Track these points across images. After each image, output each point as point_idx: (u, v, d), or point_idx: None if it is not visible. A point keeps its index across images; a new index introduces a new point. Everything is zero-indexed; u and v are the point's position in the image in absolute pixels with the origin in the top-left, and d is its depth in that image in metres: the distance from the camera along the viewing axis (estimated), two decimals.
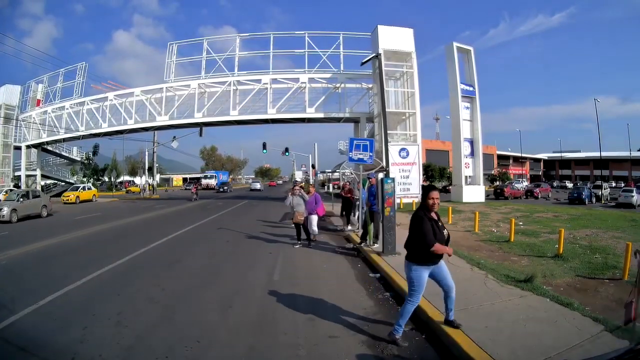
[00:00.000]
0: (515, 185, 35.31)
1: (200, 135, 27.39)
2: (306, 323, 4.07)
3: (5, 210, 14.08)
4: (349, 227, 11.20)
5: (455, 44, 23.28)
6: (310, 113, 23.91)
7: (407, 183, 21.07)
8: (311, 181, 32.73)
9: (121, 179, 50.97)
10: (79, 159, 38.31)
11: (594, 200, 26.99)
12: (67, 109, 28.02)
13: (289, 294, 5.05)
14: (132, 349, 3.44)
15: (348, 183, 15.32)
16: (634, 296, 2.93)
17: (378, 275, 6.09)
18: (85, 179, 36.15)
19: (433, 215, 3.52)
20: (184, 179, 71.93)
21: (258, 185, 50.41)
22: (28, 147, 30.47)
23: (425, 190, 3.58)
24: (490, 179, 50.13)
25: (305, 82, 23.83)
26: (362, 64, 11.99)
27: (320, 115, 24.11)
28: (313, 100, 23.90)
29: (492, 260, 6.69)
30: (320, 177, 49.85)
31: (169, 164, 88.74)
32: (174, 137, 30.89)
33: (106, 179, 40.65)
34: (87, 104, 27.39)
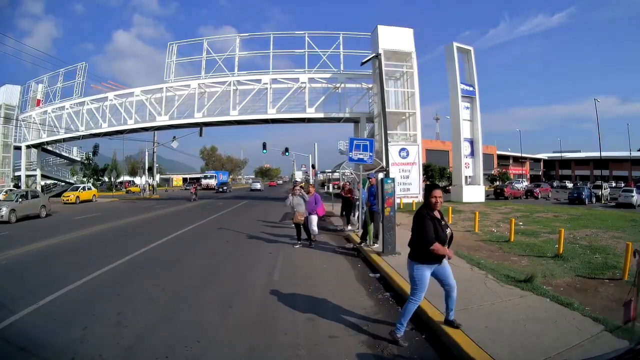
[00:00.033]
0: (515, 185, 35.30)
1: (200, 135, 27.41)
2: (306, 323, 4.07)
3: (4, 211, 14.07)
4: (349, 227, 11.20)
5: (455, 44, 23.28)
6: (310, 113, 23.91)
7: (407, 183, 21.08)
8: (311, 181, 32.72)
9: (121, 179, 50.97)
10: (79, 159, 38.30)
11: (594, 200, 26.99)
12: (67, 109, 28.02)
13: (289, 294, 5.05)
14: (132, 349, 3.45)
15: (348, 183, 15.33)
16: (633, 295, 2.93)
17: (378, 275, 6.09)
18: (85, 179, 36.15)
19: (436, 214, 3.51)
20: (184, 179, 71.95)
21: (258, 185, 50.43)
22: (28, 147, 30.47)
23: (428, 189, 3.57)
24: (490, 179, 50.12)
25: (305, 82, 23.83)
26: (362, 64, 11.98)
27: (320, 115, 24.11)
28: (313, 100, 23.90)
29: (492, 260, 6.69)
30: (320, 177, 49.87)
31: (169, 164, 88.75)
32: (174, 137, 30.90)
33: (106, 179, 40.66)
34: (87, 104, 27.39)
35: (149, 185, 39.26)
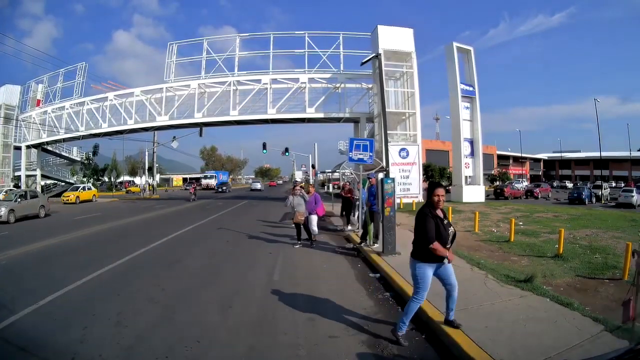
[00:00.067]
0: (515, 185, 35.29)
1: (200, 135, 27.43)
2: (306, 323, 4.07)
3: (3, 211, 14.05)
4: (349, 227, 11.20)
5: (455, 44, 23.27)
6: (310, 113, 23.91)
7: (407, 183, 21.08)
8: (311, 181, 32.72)
9: (121, 179, 50.98)
10: (79, 159, 38.31)
11: (594, 200, 26.99)
12: (67, 109, 28.02)
13: (289, 294, 5.05)
14: (132, 349, 3.44)
15: (348, 183, 15.32)
16: (632, 295, 2.94)
17: (378, 275, 6.09)
18: (85, 179, 36.14)
19: (439, 212, 3.50)
20: (184, 179, 71.93)
21: (258, 185, 50.52)
22: (28, 147, 30.48)
23: (431, 187, 3.57)
24: (490, 179, 50.12)
25: (305, 82, 23.83)
26: (362, 64, 11.99)
27: (320, 115, 24.11)
28: (313, 100, 23.90)
29: (492, 260, 6.69)
30: (320, 177, 49.87)
31: (169, 164, 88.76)
32: (174, 137, 30.90)
33: (106, 179, 40.65)
34: (87, 104, 27.39)
35: (149, 185, 39.26)
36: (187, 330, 3.87)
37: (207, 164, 78.62)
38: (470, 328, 3.50)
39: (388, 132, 11.32)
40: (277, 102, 24.09)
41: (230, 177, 76.52)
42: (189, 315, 4.31)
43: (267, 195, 34.81)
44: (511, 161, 68.55)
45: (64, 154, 36.44)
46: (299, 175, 55.85)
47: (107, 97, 27.01)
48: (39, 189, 28.99)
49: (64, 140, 30.25)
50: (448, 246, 3.49)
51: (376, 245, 7.87)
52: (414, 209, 16.14)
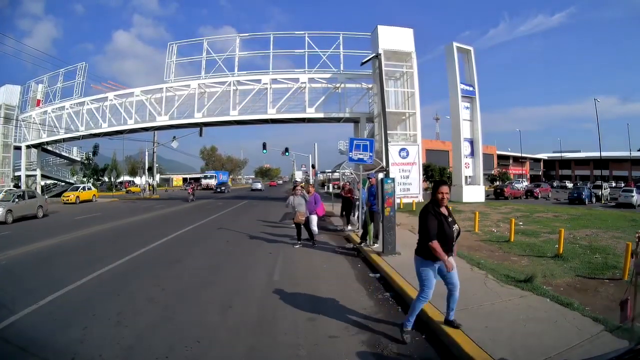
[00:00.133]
0: (515, 185, 35.30)
1: (200, 135, 27.42)
2: (306, 323, 4.07)
3: (1, 211, 14.00)
4: (349, 227, 11.20)
5: (455, 44, 23.27)
6: (310, 113, 23.91)
7: (407, 183, 21.09)
8: (311, 181, 32.73)
9: (121, 179, 50.97)
10: (79, 159, 38.32)
11: (594, 200, 27.00)
12: (67, 109, 28.02)
13: (289, 294, 5.05)
14: (132, 349, 3.44)
15: (348, 183, 15.32)
16: (630, 294, 2.94)
17: (378, 275, 6.09)
18: (85, 179, 36.14)
19: (443, 210, 3.50)
20: (184, 179, 71.93)
21: (259, 185, 50.63)
22: (28, 147, 30.48)
23: (435, 185, 3.58)
24: (490, 179, 50.14)
25: (305, 82, 23.83)
26: (362, 64, 11.99)
27: (320, 115, 24.11)
28: (313, 100, 23.90)
29: (492, 260, 6.69)
30: (320, 177, 49.86)
31: (169, 164, 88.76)
32: (174, 137, 30.90)
33: (106, 179, 40.65)
34: (87, 104, 27.39)
35: (149, 185, 39.27)
36: (187, 330, 3.87)
37: (207, 164, 78.62)
38: (470, 328, 3.50)
39: (388, 132, 11.32)
40: (277, 102, 24.09)
41: (230, 177, 76.53)
42: (189, 315, 4.31)
43: (267, 195, 34.81)
44: (511, 161, 68.57)
45: (64, 154, 36.46)
46: (299, 175, 55.90)
47: (107, 97, 27.01)
48: (39, 189, 29.03)
49: (64, 140, 30.25)
50: (453, 244, 3.50)
51: (376, 245, 7.87)
52: (414, 209, 16.14)
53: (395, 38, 22.08)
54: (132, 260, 7.29)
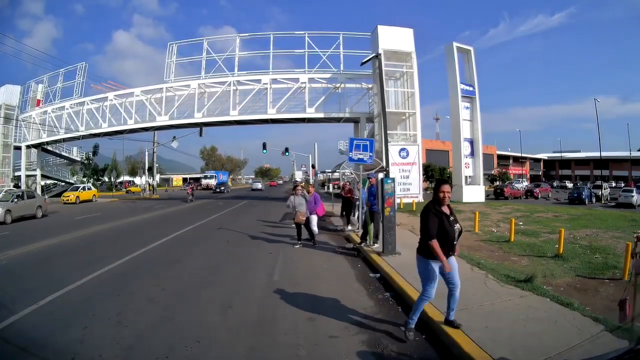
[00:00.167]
0: (515, 185, 35.30)
1: (200, 135, 27.43)
2: (306, 323, 4.07)
3: (0, 211, 14.01)
4: (349, 227, 11.19)
5: (455, 44, 23.26)
6: (310, 113, 23.90)
7: (407, 183, 21.09)
8: (311, 181, 32.73)
9: (121, 179, 50.97)
10: (79, 159, 38.32)
11: (594, 200, 27.01)
12: (67, 109, 28.02)
13: (289, 294, 5.05)
14: (132, 349, 3.44)
15: (348, 183, 15.32)
16: (628, 294, 2.94)
17: (378, 275, 6.09)
18: (85, 179, 36.15)
19: (444, 209, 3.50)
20: (184, 179, 71.96)
21: (259, 185, 50.73)
22: (28, 147, 30.48)
23: (437, 184, 3.59)
24: (490, 179, 50.14)
25: (305, 82, 23.83)
26: (362, 64, 11.98)
27: (320, 115, 24.11)
28: (313, 100, 23.89)
29: (492, 260, 6.69)
30: (320, 177, 49.85)
31: (169, 164, 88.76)
32: (174, 137, 30.91)
33: (106, 179, 40.65)
34: (87, 104, 27.39)
35: (149, 185, 39.27)
36: (187, 330, 3.87)
37: (207, 164, 78.63)
38: (470, 328, 3.50)
39: (388, 132, 11.32)
40: (277, 102, 24.08)
41: (231, 177, 76.54)
42: (189, 315, 4.31)
43: (267, 195, 34.81)
44: (511, 161, 68.58)
45: (64, 154, 36.45)
46: (299, 175, 55.92)
47: (107, 97, 27.00)
48: (39, 189, 29.04)
49: (64, 140, 30.25)
50: (455, 243, 3.50)
51: (376, 245, 7.87)
52: (414, 209, 16.14)
53: (395, 38, 22.07)
54: (132, 260, 7.29)
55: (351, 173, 19.00)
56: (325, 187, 45.22)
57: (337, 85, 23.96)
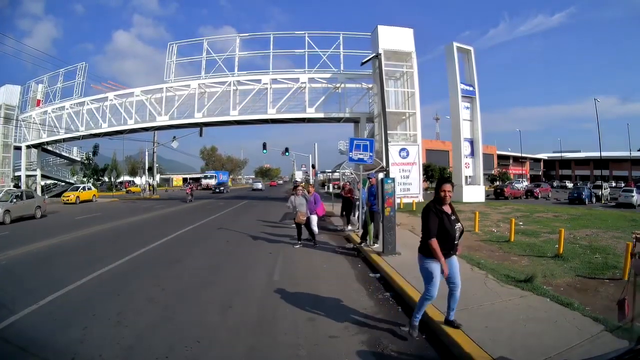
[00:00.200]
0: (515, 185, 35.31)
1: (200, 135, 27.46)
2: (306, 323, 4.07)
3: None
4: (349, 227, 11.19)
5: (455, 44, 23.26)
6: (310, 113, 23.91)
7: (407, 183, 21.09)
8: (311, 181, 32.73)
9: (121, 179, 51.01)
10: (79, 159, 38.33)
11: (594, 200, 27.01)
12: (67, 109, 28.02)
13: (289, 294, 5.05)
14: (132, 349, 3.44)
15: (348, 183, 15.32)
16: (627, 294, 2.94)
17: (378, 275, 6.08)
18: (85, 179, 36.15)
19: (446, 208, 3.50)
20: (184, 179, 71.98)
21: (260, 185, 50.85)
22: (28, 147, 30.49)
23: (438, 183, 3.60)
24: (490, 179, 50.15)
25: (305, 82, 23.83)
26: (362, 64, 11.99)
27: (320, 115, 24.11)
28: (313, 100, 23.90)
29: (492, 260, 6.69)
30: (320, 177, 49.85)
31: (169, 164, 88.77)
32: (174, 137, 30.93)
33: (106, 179, 40.66)
34: (87, 104, 27.40)
35: (149, 185, 39.27)
36: (187, 330, 3.86)
37: (207, 164, 78.66)
38: (470, 328, 3.50)
39: (388, 132, 11.32)
40: (277, 102, 24.09)
41: (231, 177, 76.57)
42: (189, 315, 4.31)
43: (267, 195, 34.82)
44: (511, 161, 68.60)
45: (64, 154, 36.46)
46: (299, 175, 55.92)
47: (107, 97, 27.02)
48: (39, 189, 29.05)
49: (64, 140, 30.25)
50: (456, 242, 3.50)
51: (376, 245, 7.87)
52: (414, 209, 16.14)
53: (395, 38, 22.07)
54: (132, 260, 7.29)
55: (351, 173, 18.99)
56: (325, 187, 45.22)
57: (337, 85, 23.97)
